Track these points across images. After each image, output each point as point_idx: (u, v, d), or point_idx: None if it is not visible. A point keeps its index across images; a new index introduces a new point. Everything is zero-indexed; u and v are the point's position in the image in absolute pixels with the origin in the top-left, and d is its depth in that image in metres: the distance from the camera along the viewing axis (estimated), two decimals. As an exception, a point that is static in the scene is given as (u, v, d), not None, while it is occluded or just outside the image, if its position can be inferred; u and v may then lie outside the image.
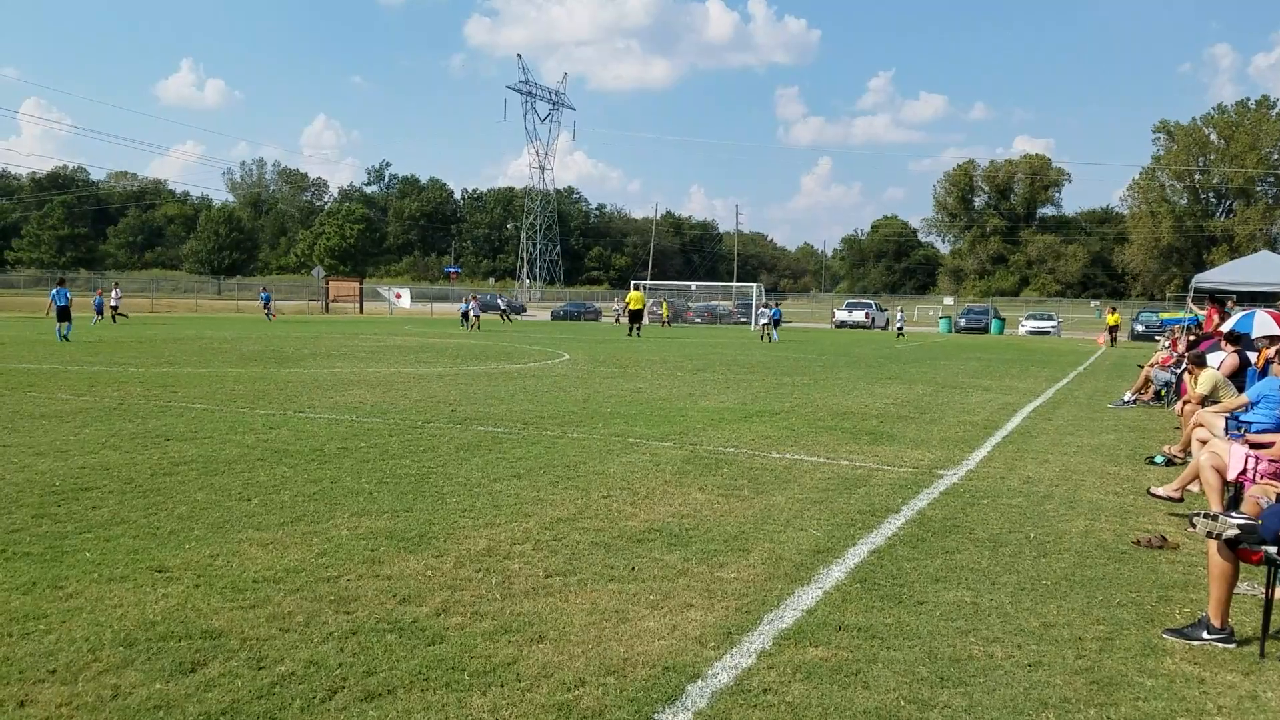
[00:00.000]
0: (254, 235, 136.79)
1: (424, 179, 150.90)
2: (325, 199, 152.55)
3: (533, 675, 4.01)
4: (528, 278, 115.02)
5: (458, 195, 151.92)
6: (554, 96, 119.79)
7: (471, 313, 41.14)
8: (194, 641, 4.26)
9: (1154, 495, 7.63)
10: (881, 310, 61.99)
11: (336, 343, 27.56)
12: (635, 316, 39.09)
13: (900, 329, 46.18)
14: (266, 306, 48.19)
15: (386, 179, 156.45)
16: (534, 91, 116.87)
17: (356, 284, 70.06)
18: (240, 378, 16.13)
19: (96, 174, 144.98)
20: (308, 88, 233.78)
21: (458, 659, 4.14)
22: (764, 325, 37.62)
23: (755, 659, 4.26)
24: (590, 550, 5.92)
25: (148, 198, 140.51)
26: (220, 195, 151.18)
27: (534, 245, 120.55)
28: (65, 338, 25.13)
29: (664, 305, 56.73)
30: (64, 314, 25.91)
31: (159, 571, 5.26)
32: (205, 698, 3.72)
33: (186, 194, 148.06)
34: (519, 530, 6.34)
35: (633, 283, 56.01)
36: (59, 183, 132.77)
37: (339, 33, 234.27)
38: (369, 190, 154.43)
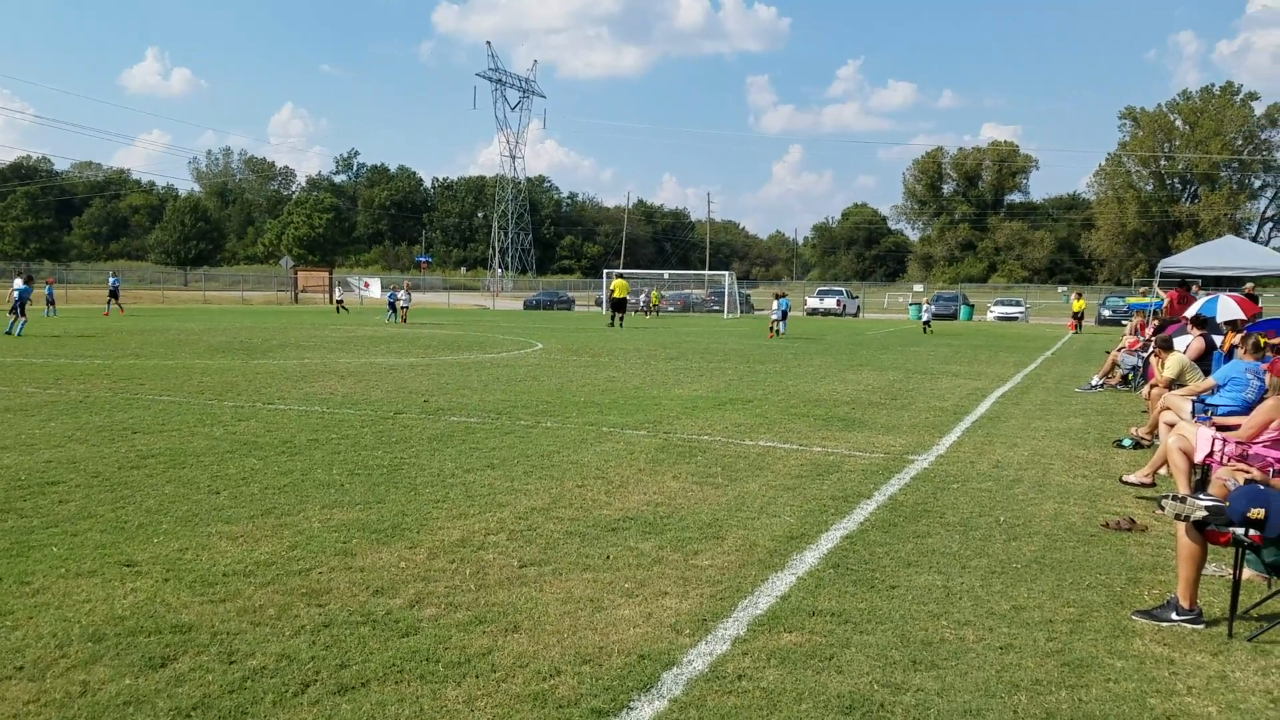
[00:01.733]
0: (221, 225, 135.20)
1: (393, 168, 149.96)
2: (293, 188, 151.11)
3: (508, 665, 4.00)
4: (500, 267, 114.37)
5: (428, 184, 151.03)
6: (524, 84, 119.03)
7: (399, 303, 37.25)
8: (163, 636, 4.22)
9: (1126, 483, 7.70)
10: (853, 298, 62.08)
11: (306, 333, 27.33)
12: (619, 305, 36.84)
13: (927, 322, 38.63)
14: (113, 295, 40.31)
15: (355, 168, 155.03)
16: (504, 79, 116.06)
17: (326, 274, 69.45)
18: (208, 369, 15.97)
19: (60, 164, 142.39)
20: (275, 76, 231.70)
21: (432, 650, 4.13)
22: (774, 320, 31.99)
23: (730, 645, 4.27)
24: (565, 539, 5.91)
25: (113, 188, 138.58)
26: (186, 185, 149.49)
27: (506, 234, 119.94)
28: (12, 333, 23.77)
29: (653, 293, 55.94)
30: (15, 308, 24.76)
31: (127, 566, 5.20)
32: (176, 693, 3.68)
33: (152, 184, 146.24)
34: (493, 520, 6.32)
35: (606, 272, 55.80)
36: (22, 173, 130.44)
37: (307, 20, 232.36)
38: (337, 179, 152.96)
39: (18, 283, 25.83)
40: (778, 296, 33.01)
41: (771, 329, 31.86)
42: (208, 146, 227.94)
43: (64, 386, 13.14)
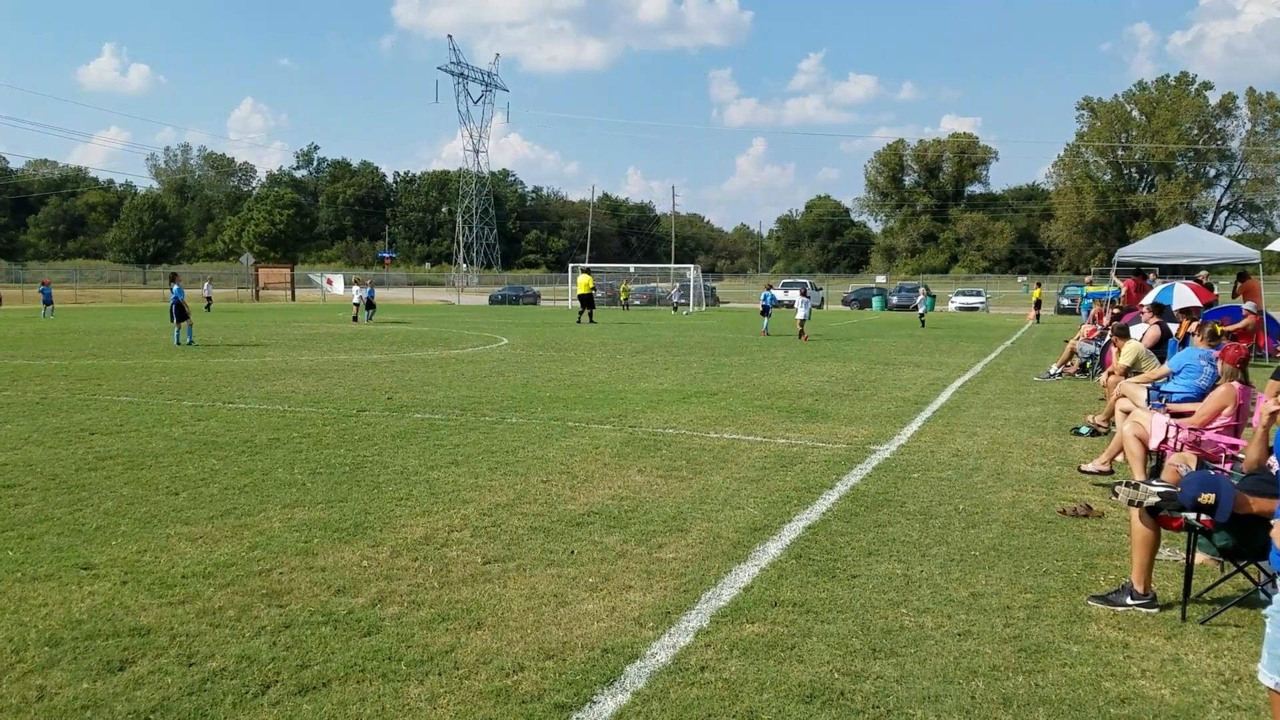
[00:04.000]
0: (180, 222, 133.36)
1: (355, 163, 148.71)
2: (253, 184, 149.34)
3: (471, 662, 3.99)
4: (464, 262, 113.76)
5: (390, 179, 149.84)
6: (486, 78, 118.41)
7: (352, 299, 34.89)
8: (122, 639, 4.18)
9: (1084, 472, 7.82)
10: (817, 289, 62.36)
11: (267, 331, 27.06)
12: (586, 301, 36.25)
13: (922, 313, 35.39)
14: None
15: (316, 163, 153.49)
16: (466, 73, 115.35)
17: (287, 270, 68.76)
18: (167, 369, 15.77)
19: (16, 162, 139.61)
20: (234, 71, 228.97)
21: (394, 649, 4.11)
22: (801, 320, 26.04)
23: (693, 638, 4.29)
24: (529, 535, 5.91)
25: (69, 186, 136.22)
26: (145, 182, 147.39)
27: (470, 229, 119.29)
28: (180, 342, 21.51)
29: (623, 288, 55.78)
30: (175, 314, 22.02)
31: (85, 569, 5.13)
32: (134, 696, 3.65)
33: (110, 182, 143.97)
34: (457, 517, 6.30)
35: (571, 265, 55.61)
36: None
37: (266, 14, 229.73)
38: (298, 175, 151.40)
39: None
40: (803, 294, 27.58)
41: (801, 329, 26.08)
42: (166, 143, 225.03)
43: (20, 387, 12.93)
